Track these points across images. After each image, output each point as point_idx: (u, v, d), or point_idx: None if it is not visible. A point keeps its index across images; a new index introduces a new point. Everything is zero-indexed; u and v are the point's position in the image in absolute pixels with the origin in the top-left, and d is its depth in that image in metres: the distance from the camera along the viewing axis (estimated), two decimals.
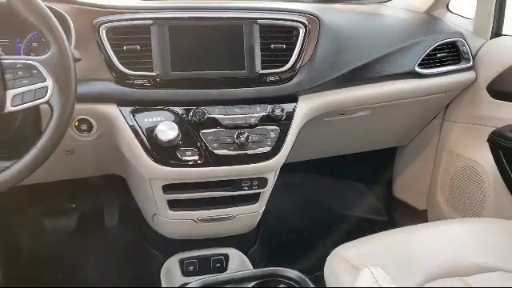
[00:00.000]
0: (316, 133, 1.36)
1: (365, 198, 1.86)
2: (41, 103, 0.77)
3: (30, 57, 0.78)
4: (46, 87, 0.76)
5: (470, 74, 1.37)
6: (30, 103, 0.76)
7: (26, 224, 1.56)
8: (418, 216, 1.65)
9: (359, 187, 1.86)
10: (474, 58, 1.37)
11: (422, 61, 1.27)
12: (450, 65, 1.33)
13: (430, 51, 1.28)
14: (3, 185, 0.76)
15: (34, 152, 0.77)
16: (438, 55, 1.31)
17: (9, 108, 0.75)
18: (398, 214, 1.76)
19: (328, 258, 0.96)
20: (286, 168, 1.40)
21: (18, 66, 0.76)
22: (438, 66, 1.31)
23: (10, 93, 0.75)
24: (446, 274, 0.91)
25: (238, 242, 1.41)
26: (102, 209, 1.62)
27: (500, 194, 1.32)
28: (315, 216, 1.76)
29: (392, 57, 1.22)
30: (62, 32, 0.78)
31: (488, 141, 1.32)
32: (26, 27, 1.00)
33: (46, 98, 0.76)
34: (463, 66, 1.35)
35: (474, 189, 1.42)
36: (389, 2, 1.63)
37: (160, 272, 1.35)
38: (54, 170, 1.11)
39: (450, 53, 1.34)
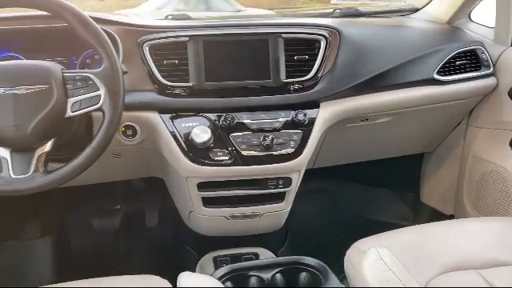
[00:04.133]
0: (340, 138, 1.44)
1: (392, 203, 1.89)
2: (95, 109, 0.90)
3: (86, 70, 0.93)
4: (100, 95, 0.89)
5: (490, 81, 1.41)
6: (86, 109, 0.90)
7: (76, 222, 1.72)
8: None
9: (387, 193, 1.90)
10: (494, 65, 1.42)
11: (440, 68, 1.33)
12: (469, 72, 1.38)
13: (449, 59, 1.34)
14: (63, 178, 0.90)
15: (88, 150, 0.90)
16: (458, 63, 1.37)
17: (69, 113, 0.89)
18: (425, 219, 1.78)
19: (347, 250, 1.03)
20: (314, 173, 1.49)
21: (76, 78, 0.90)
22: (458, 73, 1.36)
23: (70, 100, 0.89)
24: (461, 267, 0.94)
25: (268, 242, 1.50)
26: (143, 210, 1.76)
27: None
28: (343, 221, 1.81)
29: (410, 65, 1.29)
30: (113, 49, 0.92)
31: (510, 145, 1.35)
32: (80, 47, 1.16)
33: (99, 104, 0.89)
34: (483, 72, 1.39)
35: (499, 193, 1.44)
36: (412, 15, 1.70)
37: (195, 268, 1.47)
38: (104, 171, 1.26)
39: (470, 60, 1.39)
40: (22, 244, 1.62)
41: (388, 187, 1.90)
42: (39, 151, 0.89)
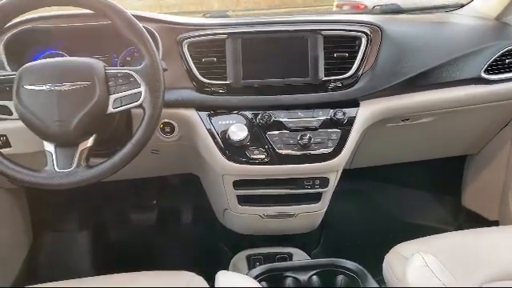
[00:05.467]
0: (380, 138, 1.39)
1: (431, 206, 1.83)
2: (136, 106, 0.91)
3: (128, 67, 0.94)
4: (140, 92, 0.90)
5: None
6: (127, 106, 0.91)
7: (113, 216, 1.76)
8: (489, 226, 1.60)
9: (425, 195, 1.83)
10: None
11: (488, 66, 1.26)
12: None
13: (498, 57, 1.27)
14: (104, 173, 0.91)
15: (129, 146, 0.92)
16: (507, 61, 1.29)
17: (110, 110, 0.91)
18: (466, 224, 1.71)
19: (386, 254, 1.00)
20: (351, 174, 1.45)
21: (118, 75, 0.91)
22: (507, 72, 1.29)
23: (112, 97, 0.91)
24: (509, 277, 0.91)
25: (302, 242, 1.48)
26: (178, 206, 1.78)
27: None
28: (379, 223, 1.77)
29: (455, 63, 1.23)
30: (154, 47, 0.92)
31: None
32: (121, 44, 1.18)
33: (140, 101, 0.90)
34: None
35: None
36: (457, 11, 1.62)
37: (228, 266, 1.47)
38: (142, 167, 1.28)
39: None
40: (61, 235, 1.67)
41: (427, 190, 1.84)
42: (81, 146, 0.91)
